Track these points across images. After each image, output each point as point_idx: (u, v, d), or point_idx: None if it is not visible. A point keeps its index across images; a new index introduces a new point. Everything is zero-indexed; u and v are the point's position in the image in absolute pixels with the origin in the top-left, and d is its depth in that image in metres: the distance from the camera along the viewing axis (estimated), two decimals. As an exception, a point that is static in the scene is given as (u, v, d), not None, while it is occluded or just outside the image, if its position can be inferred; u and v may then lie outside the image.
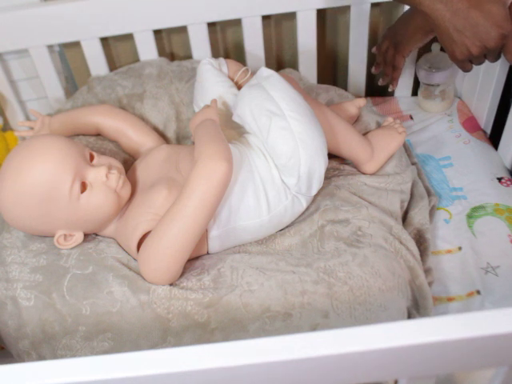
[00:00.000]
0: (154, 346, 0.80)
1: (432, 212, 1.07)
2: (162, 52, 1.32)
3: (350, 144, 1.02)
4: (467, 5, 0.86)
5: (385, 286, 0.84)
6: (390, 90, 1.26)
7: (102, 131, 1.09)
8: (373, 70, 1.27)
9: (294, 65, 1.37)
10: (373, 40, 1.34)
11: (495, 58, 0.92)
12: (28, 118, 1.37)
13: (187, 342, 0.80)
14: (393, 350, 0.55)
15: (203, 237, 0.90)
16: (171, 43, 1.33)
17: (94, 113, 1.09)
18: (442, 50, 1.24)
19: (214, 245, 0.92)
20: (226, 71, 1.08)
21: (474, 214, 1.07)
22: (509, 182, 1.12)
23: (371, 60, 1.38)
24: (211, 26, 1.29)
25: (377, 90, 1.42)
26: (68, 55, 1.31)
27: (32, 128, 1.12)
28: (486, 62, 0.95)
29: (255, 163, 0.92)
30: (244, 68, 1.09)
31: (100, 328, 0.81)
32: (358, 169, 1.05)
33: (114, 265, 0.87)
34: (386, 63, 1.21)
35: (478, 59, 0.92)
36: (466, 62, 0.93)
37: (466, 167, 1.16)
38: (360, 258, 0.87)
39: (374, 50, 1.25)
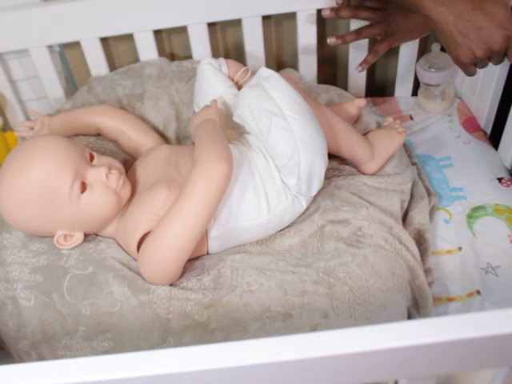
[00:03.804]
0: (154, 346, 0.80)
1: (432, 212, 1.07)
2: (162, 52, 1.32)
3: (350, 144, 1.02)
4: (471, 7, 0.86)
5: (385, 286, 0.84)
6: (357, 70, 1.15)
7: (102, 131, 1.09)
8: (332, 40, 1.14)
9: (294, 65, 1.37)
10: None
11: (499, 61, 0.91)
12: (28, 118, 1.37)
13: (187, 342, 0.80)
14: (393, 351, 0.55)
15: (203, 237, 0.90)
16: (171, 43, 1.33)
17: (94, 113, 1.09)
18: (442, 49, 1.24)
19: (214, 245, 0.92)
20: (226, 71, 1.08)
21: (474, 214, 1.07)
22: (509, 183, 1.12)
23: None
24: (211, 26, 1.28)
25: (377, 90, 1.42)
26: (68, 55, 1.31)
27: (32, 128, 1.12)
28: (487, 63, 0.94)
29: (255, 163, 0.92)
30: (244, 68, 1.09)
31: (100, 328, 0.81)
32: (358, 169, 1.05)
33: (114, 265, 0.87)
34: (360, 35, 1.12)
35: (482, 62, 0.91)
36: (471, 66, 0.92)
37: (466, 167, 1.16)
38: (360, 259, 0.87)
39: (338, 1, 1.12)
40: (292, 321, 0.80)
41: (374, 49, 1.13)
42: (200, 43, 1.27)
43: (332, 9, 1.11)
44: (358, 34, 1.13)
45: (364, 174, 1.04)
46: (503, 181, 1.13)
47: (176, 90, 1.19)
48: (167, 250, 0.82)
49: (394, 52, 1.30)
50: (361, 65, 1.15)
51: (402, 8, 1.09)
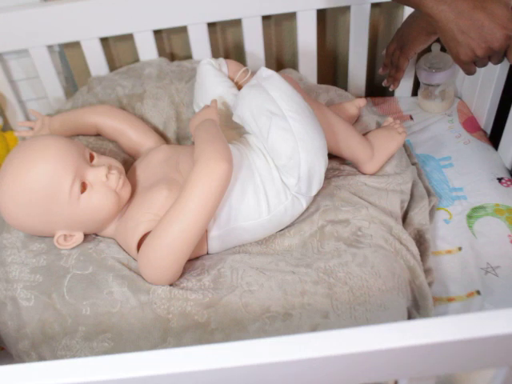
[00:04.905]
0: (153, 346, 0.80)
1: (432, 212, 1.07)
2: (161, 52, 1.32)
3: (350, 144, 1.02)
4: (472, 6, 0.86)
5: (385, 286, 0.84)
6: (390, 89, 1.26)
7: (101, 131, 1.09)
8: (380, 71, 1.27)
9: (294, 65, 1.37)
10: (373, 40, 1.34)
11: (499, 60, 0.91)
12: (28, 118, 1.37)
13: (187, 342, 0.80)
14: (393, 351, 0.55)
15: (203, 237, 0.90)
16: (171, 43, 1.33)
17: (93, 113, 1.09)
18: (442, 50, 1.24)
19: (213, 245, 0.92)
20: (226, 71, 1.08)
21: (474, 214, 1.07)
22: (509, 183, 1.12)
23: (371, 60, 1.38)
24: (211, 26, 1.29)
25: (377, 90, 1.42)
26: (68, 55, 1.31)
27: (32, 128, 1.12)
28: (487, 64, 0.95)
29: (255, 163, 0.92)
30: (244, 68, 1.09)
31: (100, 328, 0.81)
32: (358, 169, 1.05)
33: (114, 265, 0.87)
34: (392, 65, 1.22)
35: (482, 61, 0.91)
36: (470, 64, 0.92)
37: (466, 167, 1.16)
38: (360, 259, 0.87)
39: (383, 52, 1.25)
40: (292, 321, 0.80)
41: (396, 65, 1.20)
42: (200, 43, 1.27)
43: (383, 68, 1.27)
44: (387, 55, 1.23)
45: (364, 174, 1.04)
46: (503, 181, 1.13)
47: (176, 90, 1.19)
48: (167, 250, 0.82)
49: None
50: (394, 84, 1.24)
51: (406, 20, 1.15)
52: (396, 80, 1.23)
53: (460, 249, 1.02)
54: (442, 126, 1.28)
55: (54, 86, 1.30)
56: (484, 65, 0.93)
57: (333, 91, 1.22)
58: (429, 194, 1.08)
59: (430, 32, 1.11)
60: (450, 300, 0.95)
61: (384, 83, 1.26)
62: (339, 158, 1.07)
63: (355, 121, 1.16)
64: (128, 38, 1.28)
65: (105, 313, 0.82)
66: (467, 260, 1.00)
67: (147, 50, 1.27)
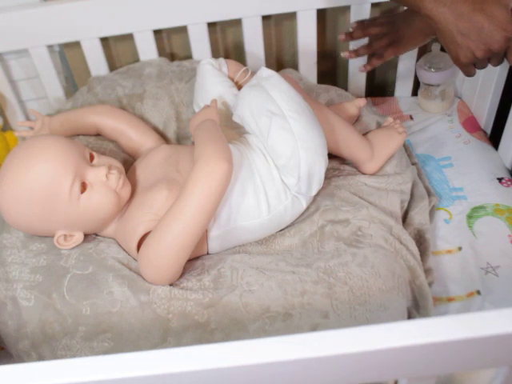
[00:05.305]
0: (153, 346, 0.80)
1: (432, 212, 1.07)
2: (162, 52, 1.32)
3: (350, 144, 1.02)
4: (471, 8, 0.86)
5: (385, 286, 0.84)
6: (360, 71, 1.23)
7: (101, 131, 1.09)
8: (341, 37, 1.20)
9: (294, 65, 1.37)
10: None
11: (499, 62, 0.92)
12: (28, 118, 1.37)
13: (187, 342, 0.80)
14: (393, 351, 0.55)
15: (203, 237, 0.90)
16: (171, 43, 1.34)
17: (93, 113, 1.09)
18: (442, 50, 1.24)
19: (214, 245, 0.92)
20: (226, 71, 1.08)
21: (474, 214, 1.07)
22: (509, 183, 1.12)
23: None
24: (211, 26, 1.29)
25: (377, 90, 1.42)
26: (68, 55, 1.31)
27: (32, 128, 1.12)
28: (487, 64, 0.95)
29: (255, 163, 0.92)
30: (244, 68, 1.09)
31: (100, 328, 0.81)
32: (358, 169, 1.05)
33: (114, 265, 0.87)
34: (371, 48, 1.18)
35: (481, 63, 0.91)
36: (470, 66, 0.92)
37: (466, 167, 1.16)
38: (360, 258, 0.87)
39: (352, 24, 1.19)
40: (292, 321, 0.80)
41: (381, 54, 1.18)
42: (200, 43, 1.27)
43: (347, 35, 1.19)
44: (370, 47, 1.19)
45: (364, 173, 1.04)
46: (503, 181, 1.13)
47: (176, 89, 1.19)
48: (167, 250, 0.82)
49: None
50: (365, 66, 1.21)
51: (403, 16, 1.14)
52: (371, 66, 1.21)
53: (460, 249, 1.02)
54: (442, 126, 1.28)
55: (54, 86, 1.30)
56: (483, 67, 0.93)
57: (333, 91, 1.22)
58: (429, 193, 1.08)
59: (428, 33, 1.11)
60: (450, 300, 0.95)
61: (345, 55, 1.21)
62: (339, 158, 1.07)
63: (355, 121, 1.16)
64: (128, 38, 1.28)
65: (105, 313, 0.82)
66: (467, 260, 1.00)
67: (147, 50, 1.27)
